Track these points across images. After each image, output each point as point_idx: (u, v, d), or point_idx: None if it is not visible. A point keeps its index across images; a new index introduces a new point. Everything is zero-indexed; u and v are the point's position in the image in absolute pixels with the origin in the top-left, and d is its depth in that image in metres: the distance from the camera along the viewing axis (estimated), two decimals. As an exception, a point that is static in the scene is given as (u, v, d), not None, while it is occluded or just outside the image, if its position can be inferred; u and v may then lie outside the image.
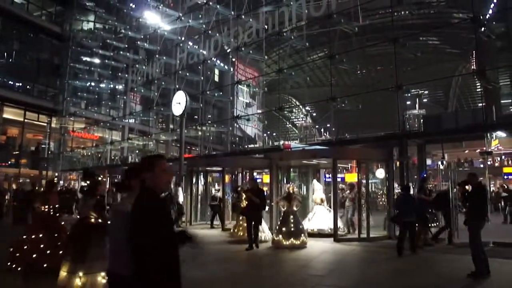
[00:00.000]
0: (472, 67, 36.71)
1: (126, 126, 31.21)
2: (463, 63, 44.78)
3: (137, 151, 31.47)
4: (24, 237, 7.81)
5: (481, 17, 16.13)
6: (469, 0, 15.62)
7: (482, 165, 30.09)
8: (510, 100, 30.70)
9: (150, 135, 27.31)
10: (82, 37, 31.06)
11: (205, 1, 22.57)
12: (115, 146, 30.20)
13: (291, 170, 16.85)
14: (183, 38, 24.02)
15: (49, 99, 30.13)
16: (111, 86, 30.66)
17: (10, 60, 28.17)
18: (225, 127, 29.73)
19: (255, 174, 20.46)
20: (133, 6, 28.02)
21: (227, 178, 18.74)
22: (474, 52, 33.45)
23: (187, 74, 24.31)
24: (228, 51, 22.33)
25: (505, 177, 30.79)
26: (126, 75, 28.48)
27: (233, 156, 21.53)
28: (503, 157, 33.34)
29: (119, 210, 3.12)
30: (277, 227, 11.93)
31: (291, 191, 12.26)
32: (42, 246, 7.52)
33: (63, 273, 5.95)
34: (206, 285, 7.55)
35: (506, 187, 21.07)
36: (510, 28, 26.49)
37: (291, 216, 11.75)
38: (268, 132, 48.30)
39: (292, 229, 11.54)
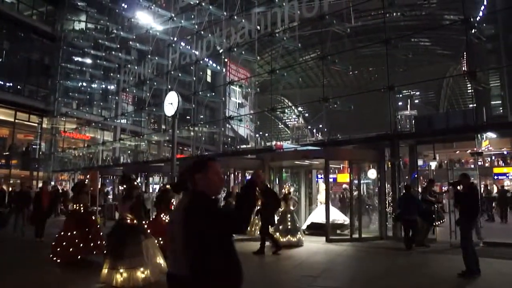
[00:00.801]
0: (463, 69, 36.99)
1: (118, 127, 31.09)
2: (454, 64, 45.11)
3: (129, 152, 31.36)
4: (62, 233, 8.97)
5: (472, 19, 16.23)
6: (460, 2, 15.76)
7: (473, 166, 30.29)
8: (500, 101, 30.92)
9: (142, 135, 27.21)
10: (73, 37, 30.88)
11: (197, 2, 22.52)
12: (107, 147, 30.06)
13: (283, 170, 16.88)
14: (175, 39, 23.96)
15: (40, 99, 29.92)
16: (103, 86, 30.51)
17: (0, 60, 27.88)
18: (217, 127, 29.70)
19: (247, 174, 20.46)
20: (125, 6, 27.88)
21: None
22: (464, 53, 33.69)
23: (179, 74, 24.25)
24: (220, 51, 22.32)
25: (495, 177, 31.05)
26: (118, 76, 28.35)
27: (225, 156, 21.49)
28: (493, 157, 33.60)
29: (178, 210, 3.05)
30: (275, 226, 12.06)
31: (287, 192, 12.70)
32: (76, 241, 8.74)
33: (104, 270, 6.83)
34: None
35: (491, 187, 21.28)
36: (500, 30, 26.73)
37: (289, 215, 12.17)
38: (261, 133, 48.33)
39: (289, 227, 11.96)
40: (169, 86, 23.58)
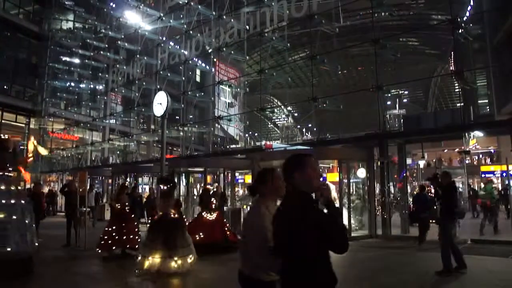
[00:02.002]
0: (451, 68, 37.29)
1: (106, 127, 30.87)
2: (442, 64, 45.47)
3: (118, 152, 31.17)
4: (106, 229, 10.28)
5: (459, 19, 16.38)
6: (447, 2, 15.90)
7: (460, 164, 30.63)
8: (487, 100, 31.21)
9: (131, 135, 27.06)
10: (61, 37, 30.58)
11: (186, 1, 22.45)
12: (96, 147, 29.83)
13: (273, 170, 16.87)
14: (164, 38, 23.86)
15: (27, 100, 29.59)
16: (91, 86, 30.24)
17: (-13, 60, 27.57)
18: (207, 127, 29.64)
19: (237, 174, 20.50)
20: (113, 5, 27.66)
21: (209, 178, 18.72)
22: (452, 53, 33.98)
23: (168, 74, 24.17)
24: (209, 51, 22.28)
25: (483, 175, 31.38)
26: (107, 75, 28.13)
27: (215, 156, 21.46)
28: (480, 155, 33.98)
29: (256, 213, 3.00)
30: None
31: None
32: (114, 235, 10.10)
33: (156, 259, 7.80)
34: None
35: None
36: (486, 30, 26.99)
37: None
38: (250, 133, 48.33)
39: None
40: (158, 86, 23.46)
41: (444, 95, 53.77)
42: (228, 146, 34.61)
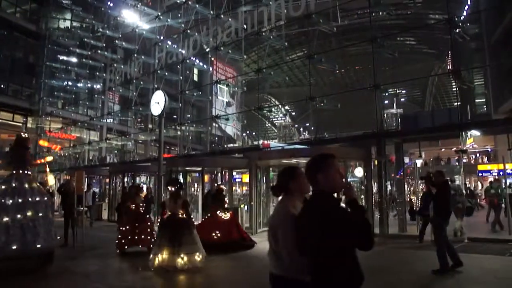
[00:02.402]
0: (448, 67, 37.41)
1: (104, 126, 30.84)
2: (439, 63, 45.63)
3: (116, 152, 31.13)
4: (122, 228, 10.87)
5: (456, 18, 16.45)
6: (445, 2, 15.93)
7: (457, 163, 30.69)
8: (484, 100, 31.37)
9: (129, 135, 27.04)
10: (58, 36, 30.48)
11: (184, 0, 22.44)
12: (93, 147, 29.78)
13: (271, 169, 16.90)
14: (161, 37, 23.84)
15: (25, 99, 29.53)
16: (89, 85, 30.15)
17: (-17, 59, 27.50)
18: (204, 126, 29.63)
19: (234, 173, 20.50)
20: (111, 4, 27.66)
21: (206, 178, 18.72)
22: (449, 52, 34.07)
23: (166, 73, 24.14)
24: (207, 50, 22.26)
25: (480, 174, 31.50)
26: (104, 75, 28.07)
27: (213, 156, 21.45)
28: (477, 154, 34.08)
29: (284, 212, 2.99)
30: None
31: None
32: (129, 236, 10.62)
33: (165, 256, 8.29)
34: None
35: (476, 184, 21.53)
36: (483, 29, 27.09)
37: None
38: (248, 132, 48.36)
39: None
40: (156, 85, 23.46)
41: (441, 94, 53.93)
42: (225, 145, 34.61)
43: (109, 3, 27.76)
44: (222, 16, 20.81)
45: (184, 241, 8.40)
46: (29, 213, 7.97)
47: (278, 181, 3.18)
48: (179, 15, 23.59)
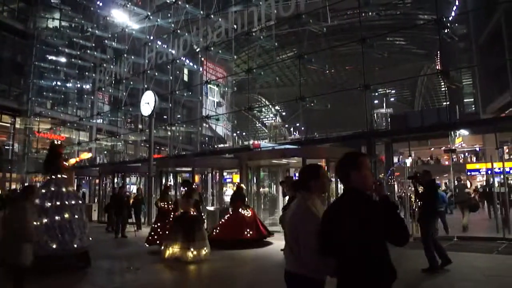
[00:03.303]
0: (437, 67, 37.67)
1: (94, 127, 30.63)
2: (428, 63, 45.90)
3: (106, 152, 30.95)
4: (153, 225, 11.69)
5: (444, 19, 16.60)
6: (433, 2, 16.07)
7: (447, 162, 30.92)
8: (472, 99, 31.62)
9: (119, 135, 26.90)
10: (47, 35, 30.21)
11: (174, 0, 22.39)
12: (83, 147, 29.56)
13: (261, 169, 16.92)
14: (151, 37, 23.75)
15: (13, 99, 29.23)
16: (78, 85, 29.95)
17: (-30, 58, 27.17)
18: (195, 127, 29.57)
19: (224, 174, 20.47)
20: (100, 4, 27.47)
21: (197, 178, 18.68)
22: (438, 52, 34.34)
23: (156, 73, 24.06)
24: (197, 50, 22.23)
25: (468, 173, 31.75)
26: (94, 75, 27.89)
27: (203, 156, 21.42)
28: (466, 154, 34.35)
29: (304, 210, 2.97)
30: None
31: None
32: (159, 230, 11.12)
33: (176, 249, 9.24)
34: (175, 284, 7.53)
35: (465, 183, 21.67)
36: (471, 30, 27.35)
37: None
38: (238, 132, 48.33)
39: None
40: (146, 86, 23.37)
41: (430, 94, 54.30)
42: (216, 146, 34.56)
43: (98, 2, 27.56)
44: (212, 16, 20.80)
45: (196, 237, 9.24)
46: (66, 215, 8.56)
47: (300, 178, 3.20)
48: (169, 15, 23.55)
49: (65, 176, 9.31)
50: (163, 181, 18.85)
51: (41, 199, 8.46)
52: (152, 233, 11.30)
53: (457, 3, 26.01)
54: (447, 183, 28.96)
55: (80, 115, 30.79)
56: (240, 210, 12.00)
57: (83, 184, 25.82)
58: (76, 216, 8.77)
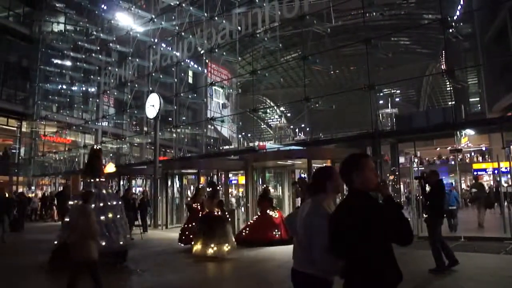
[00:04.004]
0: (442, 67, 37.56)
1: (99, 130, 30.76)
2: (433, 62, 45.77)
3: (111, 155, 31.05)
4: (185, 225, 12.00)
5: (449, 18, 16.53)
6: (438, 1, 16.01)
7: (453, 162, 30.78)
8: (478, 99, 31.50)
9: (124, 138, 26.97)
10: (52, 39, 30.41)
11: (177, 3, 22.44)
12: (88, 150, 29.65)
13: (266, 171, 16.90)
14: (156, 40, 23.82)
15: (19, 103, 29.42)
16: (83, 88, 30.10)
17: (-23, 63, 27.35)
18: (200, 129, 29.61)
19: (230, 175, 20.46)
20: (105, 7, 27.57)
21: (202, 180, 18.70)
22: (443, 52, 34.22)
23: (161, 76, 24.10)
24: (201, 52, 22.27)
25: (475, 173, 31.60)
26: (99, 78, 28.04)
27: (208, 158, 21.45)
28: (472, 153, 34.19)
29: (318, 211, 2.96)
30: None
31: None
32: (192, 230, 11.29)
33: (198, 246, 9.92)
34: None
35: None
36: (476, 29, 27.23)
37: None
38: (243, 133, 48.33)
39: None
40: (151, 88, 23.44)
41: (436, 93, 54.10)
42: (221, 147, 34.59)
43: (103, 6, 27.67)
44: (216, 18, 20.83)
45: (217, 234, 9.80)
46: (109, 215, 9.14)
47: (314, 180, 3.20)
48: (173, 17, 23.59)
49: (103, 180, 9.98)
50: (169, 183, 18.89)
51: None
52: (186, 232, 11.70)
53: (461, 2, 25.89)
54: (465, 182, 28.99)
55: (86, 118, 30.91)
56: (267, 211, 12.27)
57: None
58: (118, 216, 9.33)
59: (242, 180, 23.26)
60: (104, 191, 9.53)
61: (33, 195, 26.10)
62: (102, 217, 8.86)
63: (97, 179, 9.68)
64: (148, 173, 21.29)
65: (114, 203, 9.42)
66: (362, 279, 2.57)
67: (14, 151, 29.78)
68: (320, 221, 2.86)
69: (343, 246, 2.65)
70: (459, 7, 25.77)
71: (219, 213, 10.24)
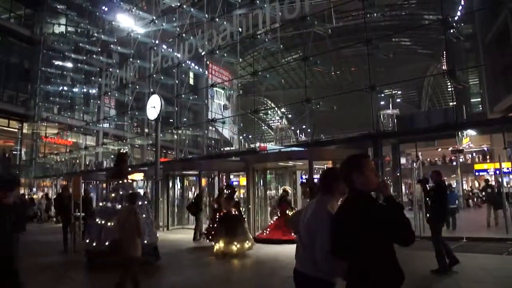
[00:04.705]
0: (443, 67, 37.50)
1: (100, 131, 30.75)
2: (434, 63, 45.71)
3: (112, 156, 31.04)
4: (210, 225, 12.35)
5: (450, 18, 16.51)
6: (438, 2, 16.00)
7: (455, 163, 30.71)
8: (479, 99, 31.44)
9: (125, 139, 26.97)
10: (53, 41, 30.47)
11: (178, 4, 22.46)
12: (90, 152, 29.70)
13: (268, 172, 16.89)
14: (157, 41, 23.83)
15: (20, 104, 29.47)
16: (84, 90, 30.13)
17: (-22, 65, 27.40)
18: (201, 130, 29.59)
19: (231, 176, 20.46)
20: (106, 9, 27.62)
21: (203, 181, 18.69)
22: (444, 52, 34.18)
23: (162, 77, 24.09)
24: (202, 54, 22.27)
25: (476, 173, 31.54)
26: (100, 79, 28.02)
27: (209, 159, 21.43)
28: (474, 154, 34.15)
29: (323, 212, 2.97)
30: None
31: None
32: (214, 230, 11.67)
33: (221, 244, 10.46)
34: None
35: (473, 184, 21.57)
36: (477, 29, 27.21)
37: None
38: (244, 135, 48.31)
39: None
40: (152, 90, 23.42)
41: (437, 94, 54.00)
42: (222, 149, 34.57)
43: (104, 7, 27.71)
44: (217, 19, 20.83)
45: (238, 232, 10.53)
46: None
47: (322, 181, 3.23)
48: (174, 19, 23.61)
49: (130, 181, 10.61)
50: (170, 184, 18.89)
51: (112, 202, 9.80)
52: (213, 232, 11.95)
53: (462, 3, 25.88)
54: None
55: (87, 120, 30.90)
56: (287, 212, 12.73)
57: (90, 188, 25.83)
58: (144, 215, 9.61)
59: (243, 181, 23.26)
60: (130, 192, 9.68)
61: (40, 196, 26.15)
62: None
63: (125, 181, 10.31)
64: (149, 175, 21.29)
65: (140, 203, 9.73)
66: (364, 280, 2.57)
67: (15, 152, 29.81)
68: (323, 222, 2.86)
69: (344, 247, 2.65)
70: (460, 7, 25.77)
71: (236, 213, 10.92)
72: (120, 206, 9.48)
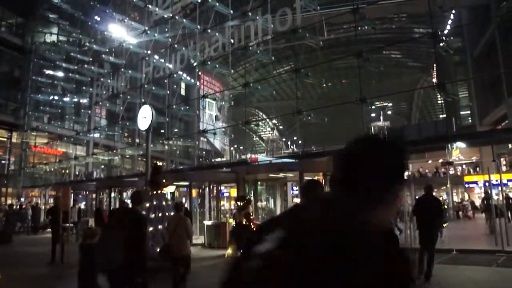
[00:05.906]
0: (433, 80, 37.91)
1: (90, 141, 30.56)
2: (425, 76, 46.24)
3: (102, 167, 30.84)
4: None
5: (440, 32, 16.72)
6: (428, 16, 16.21)
7: (444, 175, 30.85)
8: (468, 112, 31.76)
9: (116, 150, 26.81)
10: (44, 50, 30.29)
11: (171, 15, 22.50)
12: (80, 162, 29.46)
13: (258, 183, 16.86)
14: (149, 52, 23.82)
15: (10, 113, 29.18)
16: (75, 100, 29.96)
17: (-32, 73, 27.18)
18: (192, 141, 29.53)
19: (222, 188, 20.38)
20: (98, 19, 27.58)
21: (194, 192, 18.59)
22: (434, 65, 34.58)
23: (153, 88, 24.08)
24: (194, 65, 22.29)
25: (466, 185, 31.71)
26: (91, 89, 27.88)
27: (200, 170, 21.36)
28: (463, 166, 34.33)
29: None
30: None
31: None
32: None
33: (230, 251, 11.53)
34: None
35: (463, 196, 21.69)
36: (466, 43, 27.58)
37: None
38: (235, 146, 48.30)
39: None
40: (143, 100, 23.36)
41: (427, 106, 54.56)
42: (213, 160, 34.49)
43: (96, 17, 27.67)
44: (209, 30, 20.88)
45: (243, 240, 10.69)
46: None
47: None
48: (166, 29, 23.63)
49: (164, 192, 11.34)
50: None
51: (147, 211, 10.11)
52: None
53: (452, 17, 26.27)
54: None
55: (77, 130, 30.72)
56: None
57: (80, 199, 25.55)
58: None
59: (234, 192, 23.18)
60: (163, 203, 10.77)
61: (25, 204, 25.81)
62: (160, 226, 10.09)
63: (159, 192, 10.93)
64: (140, 186, 21.12)
65: (172, 214, 10.02)
66: None
67: (3, 162, 29.46)
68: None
69: None
70: (450, 21, 26.15)
71: (246, 223, 11.47)
72: (153, 215, 10.28)
